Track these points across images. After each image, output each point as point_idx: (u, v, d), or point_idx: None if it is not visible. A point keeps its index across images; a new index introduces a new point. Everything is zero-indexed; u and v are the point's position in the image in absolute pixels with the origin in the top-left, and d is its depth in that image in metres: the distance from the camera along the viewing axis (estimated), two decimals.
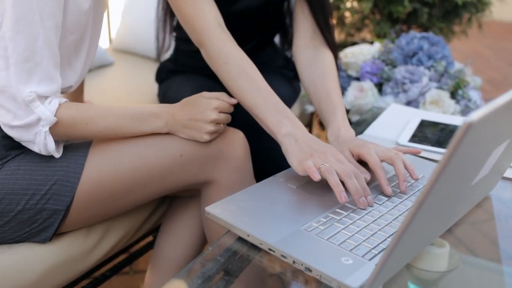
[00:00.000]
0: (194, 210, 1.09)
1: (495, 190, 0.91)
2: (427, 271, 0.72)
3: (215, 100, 0.94)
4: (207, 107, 0.93)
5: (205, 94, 0.96)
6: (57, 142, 0.89)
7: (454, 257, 0.74)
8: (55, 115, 0.84)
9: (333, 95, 1.07)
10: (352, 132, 1.00)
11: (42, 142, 0.85)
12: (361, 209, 0.81)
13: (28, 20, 0.79)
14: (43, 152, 0.87)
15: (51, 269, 0.91)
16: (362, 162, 0.91)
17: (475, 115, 0.47)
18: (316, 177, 0.80)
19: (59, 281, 0.94)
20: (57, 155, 0.90)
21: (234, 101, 0.97)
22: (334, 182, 0.80)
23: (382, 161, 0.88)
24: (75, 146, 0.93)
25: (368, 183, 0.88)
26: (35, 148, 0.87)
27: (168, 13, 1.35)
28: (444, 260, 0.74)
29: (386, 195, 0.85)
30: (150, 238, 1.29)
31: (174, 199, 1.13)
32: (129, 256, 1.24)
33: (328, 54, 1.17)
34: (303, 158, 0.85)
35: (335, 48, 1.20)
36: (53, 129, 0.86)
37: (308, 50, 1.17)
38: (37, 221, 0.88)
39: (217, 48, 0.99)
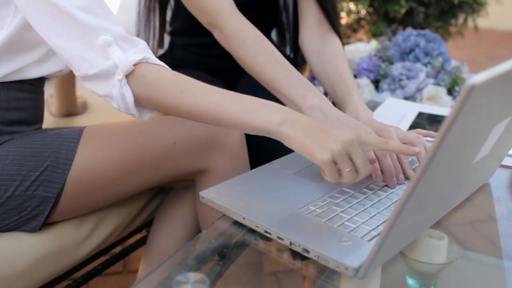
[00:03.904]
0: (189, 202, 1.07)
1: (494, 178, 0.90)
2: (426, 264, 0.70)
3: (370, 134, 0.76)
4: (354, 129, 0.76)
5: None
6: (142, 106, 0.81)
7: (452, 250, 0.73)
8: (134, 65, 0.75)
9: (346, 77, 1.06)
10: (370, 112, 0.99)
11: (119, 93, 0.76)
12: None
13: None
14: (122, 109, 0.78)
15: (41, 259, 0.89)
16: None
17: (477, 78, 0.46)
18: None
19: (50, 272, 0.92)
20: (138, 115, 0.80)
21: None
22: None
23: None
24: (67, 132, 0.91)
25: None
26: (114, 103, 0.78)
27: (153, 11, 1.32)
28: (443, 253, 0.72)
29: (385, 181, 0.84)
30: (144, 233, 1.27)
31: (169, 190, 1.11)
32: (122, 250, 1.21)
33: (336, 40, 1.16)
34: None
35: (341, 35, 1.19)
36: (138, 88, 0.77)
37: (315, 38, 1.16)
38: (27, 209, 0.86)
39: (233, 26, 0.98)
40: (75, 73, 0.79)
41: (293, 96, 0.91)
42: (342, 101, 1.04)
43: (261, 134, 0.74)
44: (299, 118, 0.73)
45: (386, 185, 0.82)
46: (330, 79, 1.08)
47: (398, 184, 0.83)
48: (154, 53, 1.37)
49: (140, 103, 0.80)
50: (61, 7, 0.75)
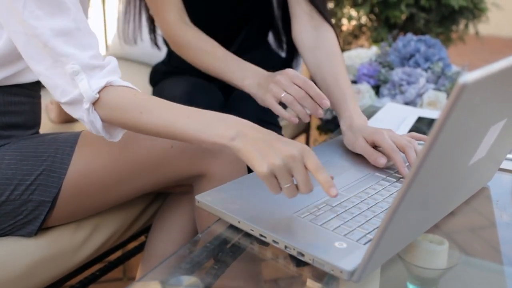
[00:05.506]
0: (187, 207, 1.06)
1: (493, 181, 0.89)
2: (426, 269, 0.69)
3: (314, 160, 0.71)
4: (299, 148, 0.71)
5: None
6: (113, 127, 0.84)
7: (453, 255, 0.72)
8: (98, 92, 0.78)
9: (341, 80, 1.05)
10: (364, 118, 1.00)
11: (88, 120, 0.80)
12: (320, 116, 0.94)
13: None
14: (94, 132, 0.82)
15: (37, 264, 0.89)
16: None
17: (470, 77, 0.45)
18: (285, 116, 0.95)
19: (46, 277, 0.91)
20: (108, 136, 0.84)
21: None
22: (298, 109, 0.93)
23: None
24: (63, 136, 0.90)
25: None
26: (87, 126, 0.82)
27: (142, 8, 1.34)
28: (443, 258, 0.72)
29: (381, 184, 0.84)
30: (144, 239, 1.26)
31: (167, 196, 1.11)
32: (121, 256, 1.21)
33: (330, 33, 1.15)
34: (264, 93, 0.98)
35: (333, 25, 1.18)
36: (104, 111, 0.80)
37: (308, 33, 1.15)
38: (22, 213, 0.86)
39: (180, 37, 1.13)
40: (53, 97, 0.83)
41: (235, 80, 1.06)
42: (337, 106, 1.04)
43: (217, 148, 0.78)
44: (251, 132, 0.74)
45: (382, 190, 0.81)
46: (325, 81, 1.07)
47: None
48: (135, 39, 1.40)
49: (108, 124, 0.83)
50: (36, 31, 0.76)
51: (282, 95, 0.94)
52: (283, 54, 1.49)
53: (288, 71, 0.96)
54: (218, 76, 1.10)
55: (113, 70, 0.82)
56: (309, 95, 0.93)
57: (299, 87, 0.94)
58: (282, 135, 1.28)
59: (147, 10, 1.33)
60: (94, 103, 0.79)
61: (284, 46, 1.44)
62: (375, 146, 0.92)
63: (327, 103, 0.92)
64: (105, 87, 0.79)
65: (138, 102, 0.80)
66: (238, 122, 0.77)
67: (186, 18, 1.16)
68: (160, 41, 1.40)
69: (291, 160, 0.69)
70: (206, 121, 0.77)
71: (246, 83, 1.03)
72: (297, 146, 0.71)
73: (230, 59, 1.09)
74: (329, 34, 1.15)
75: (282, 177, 0.70)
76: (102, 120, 0.81)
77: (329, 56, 1.10)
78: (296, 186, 0.71)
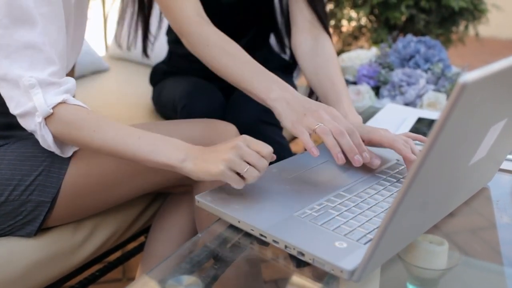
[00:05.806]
0: (186, 208, 1.06)
1: (493, 182, 0.89)
2: (426, 269, 0.69)
3: (255, 141, 0.79)
4: (238, 139, 0.78)
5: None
6: (64, 143, 0.86)
7: (453, 256, 0.72)
8: (52, 108, 0.79)
9: (337, 82, 1.06)
10: (359, 117, 0.99)
11: (40, 134, 0.81)
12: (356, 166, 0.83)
13: (22, 7, 0.77)
14: (45, 146, 0.83)
15: (36, 264, 0.89)
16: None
17: (470, 76, 0.45)
18: (308, 145, 0.82)
19: (45, 277, 0.91)
20: (59, 152, 0.85)
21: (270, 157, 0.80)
22: (330, 143, 0.81)
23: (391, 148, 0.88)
24: None
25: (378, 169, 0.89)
26: (40, 141, 0.83)
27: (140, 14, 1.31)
28: (443, 258, 0.72)
29: (381, 184, 0.83)
30: (142, 239, 1.26)
31: (167, 196, 1.11)
32: (121, 256, 1.21)
33: (327, 42, 1.16)
34: (297, 120, 0.86)
35: (331, 34, 1.20)
36: (56, 127, 0.81)
37: (307, 41, 1.16)
38: (22, 214, 0.86)
39: (197, 33, 1.02)
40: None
41: (258, 90, 0.93)
42: (332, 106, 1.03)
43: (166, 169, 0.80)
44: (198, 153, 0.78)
45: (382, 189, 0.81)
46: (321, 85, 1.08)
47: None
48: (129, 46, 1.37)
49: (60, 140, 0.84)
50: (1, 40, 0.77)
51: (317, 125, 0.84)
52: (285, 57, 1.49)
53: (334, 110, 0.87)
54: (235, 82, 0.98)
55: (69, 90, 0.83)
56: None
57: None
58: (283, 135, 1.28)
59: (142, 20, 1.31)
60: (46, 118, 0.80)
61: (287, 50, 1.44)
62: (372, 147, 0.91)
63: (367, 156, 0.84)
64: (59, 103, 0.80)
65: (92, 120, 0.81)
66: (187, 146, 0.80)
67: (205, 15, 1.06)
68: (149, 49, 1.38)
69: (237, 149, 0.75)
70: (156, 143, 0.80)
71: (272, 96, 0.91)
72: (236, 139, 0.77)
73: (256, 66, 0.97)
74: (327, 43, 1.16)
75: (238, 165, 0.74)
76: (53, 136, 0.82)
77: (327, 61, 1.11)
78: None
